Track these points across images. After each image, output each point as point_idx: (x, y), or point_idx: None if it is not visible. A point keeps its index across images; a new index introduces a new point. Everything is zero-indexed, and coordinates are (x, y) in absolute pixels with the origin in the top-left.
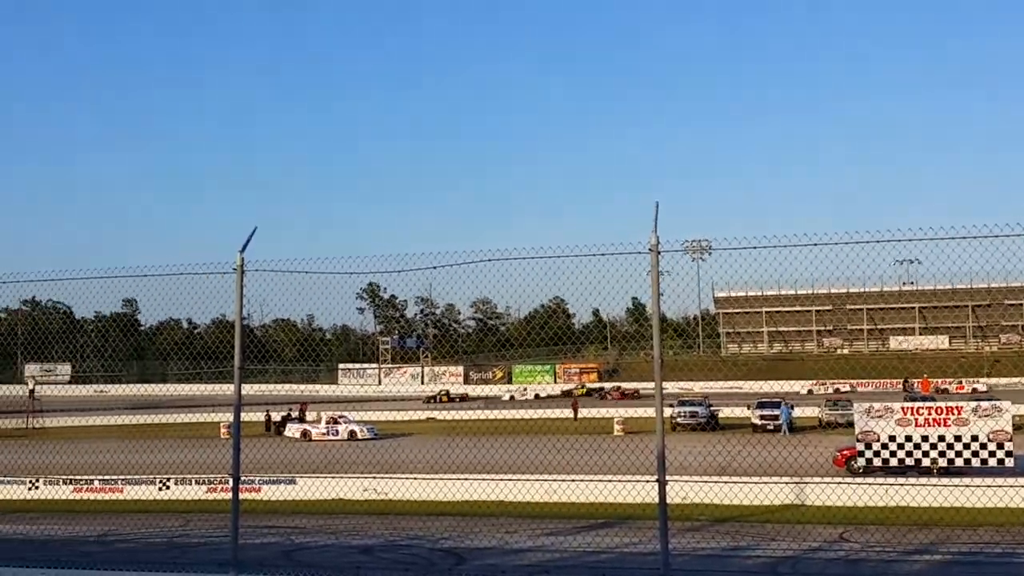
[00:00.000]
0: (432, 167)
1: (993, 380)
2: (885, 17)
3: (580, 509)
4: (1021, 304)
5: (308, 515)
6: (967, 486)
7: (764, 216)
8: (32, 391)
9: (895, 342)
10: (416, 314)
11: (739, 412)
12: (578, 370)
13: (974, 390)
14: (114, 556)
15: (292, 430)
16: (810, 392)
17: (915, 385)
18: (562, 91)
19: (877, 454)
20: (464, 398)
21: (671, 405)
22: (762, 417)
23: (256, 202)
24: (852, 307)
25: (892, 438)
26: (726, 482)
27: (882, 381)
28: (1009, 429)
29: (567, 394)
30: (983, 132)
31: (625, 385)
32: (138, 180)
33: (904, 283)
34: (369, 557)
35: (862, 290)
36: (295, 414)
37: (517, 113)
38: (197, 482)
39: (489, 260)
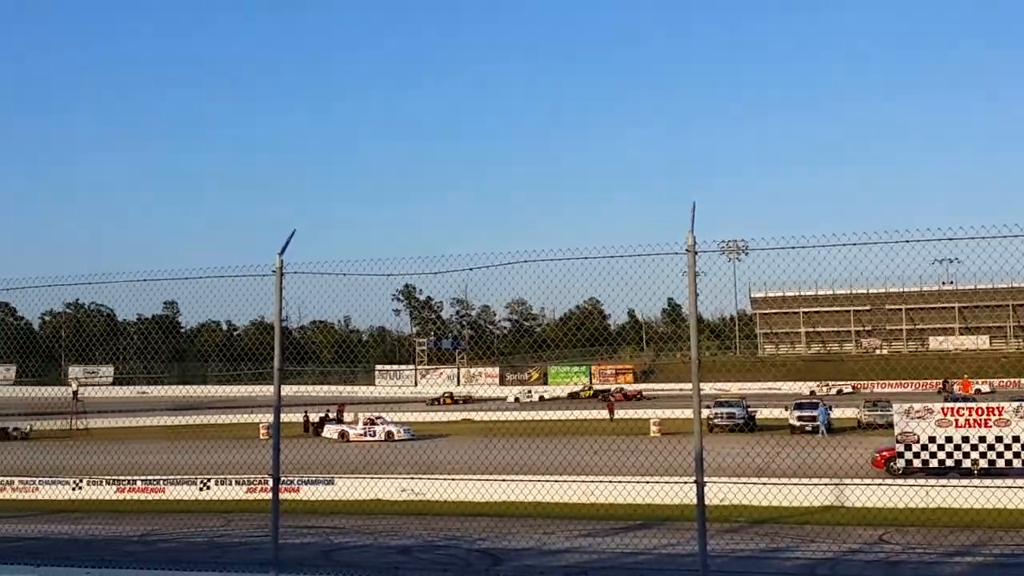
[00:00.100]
0: (437, 166)
1: None
2: (923, 15)
3: (617, 510)
4: None
5: (346, 515)
6: (1008, 487)
7: (792, 217)
8: (76, 393)
9: (935, 342)
10: (452, 315)
11: (777, 413)
12: (614, 371)
13: (979, 390)
14: (157, 556)
15: (330, 431)
16: (812, 393)
17: (955, 386)
18: (576, 91)
19: (917, 455)
20: (467, 400)
21: (708, 406)
22: (800, 418)
23: (257, 202)
24: (891, 307)
25: (932, 439)
26: (764, 483)
27: (921, 381)
28: None
29: (573, 396)
30: None
31: (659, 386)
32: (137, 180)
33: (944, 282)
34: (407, 557)
35: (901, 290)
36: (333, 415)
37: (524, 112)
38: (237, 482)
39: (524, 261)
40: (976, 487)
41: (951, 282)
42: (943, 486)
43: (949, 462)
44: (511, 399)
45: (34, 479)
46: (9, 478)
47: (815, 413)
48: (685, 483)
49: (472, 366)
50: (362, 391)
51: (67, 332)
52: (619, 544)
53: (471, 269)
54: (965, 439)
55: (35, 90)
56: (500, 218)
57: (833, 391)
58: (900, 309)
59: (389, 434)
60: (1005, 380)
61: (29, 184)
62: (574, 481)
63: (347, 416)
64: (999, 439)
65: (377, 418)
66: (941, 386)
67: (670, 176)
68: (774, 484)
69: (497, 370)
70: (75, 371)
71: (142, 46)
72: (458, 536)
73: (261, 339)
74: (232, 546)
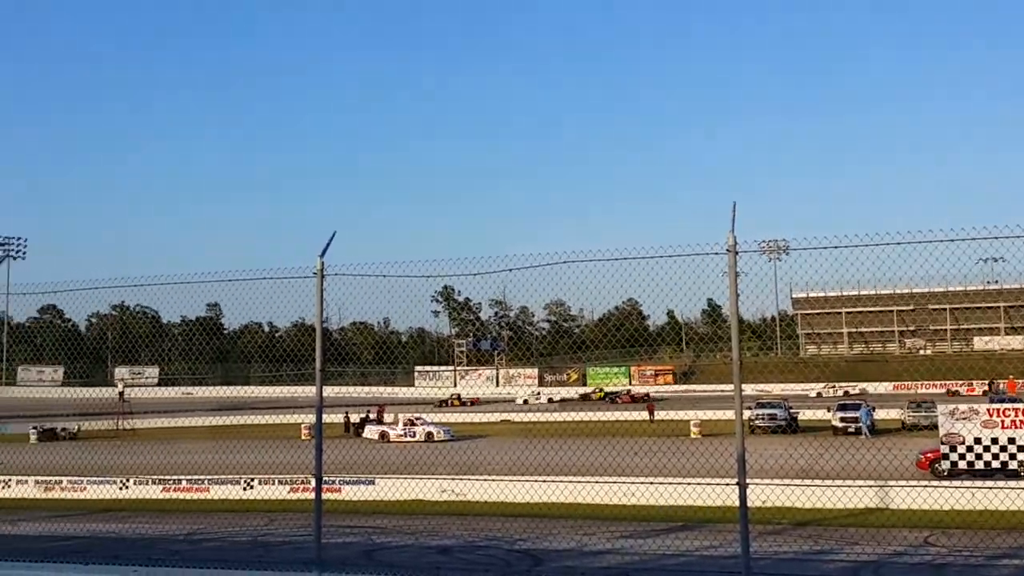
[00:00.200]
0: (473, 168)
1: None
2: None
3: (657, 512)
4: None
5: (387, 515)
6: None
7: (832, 217)
8: (122, 393)
9: (979, 342)
10: (490, 317)
11: (819, 415)
12: (653, 372)
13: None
14: (202, 554)
15: (371, 432)
16: (819, 395)
17: (1000, 386)
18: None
19: (962, 457)
20: (475, 402)
21: (749, 407)
22: (843, 419)
23: (298, 203)
24: (935, 307)
25: (978, 440)
26: (807, 485)
27: (963, 382)
28: None
29: (585, 398)
30: None
31: (701, 387)
32: (179, 181)
33: (988, 282)
34: (447, 557)
35: (945, 289)
36: (373, 416)
37: (562, 112)
38: (280, 482)
39: (563, 263)
40: (1023, 489)
41: (996, 281)
42: (989, 488)
43: (995, 464)
44: (519, 401)
45: (82, 479)
46: (57, 478)
47: (858, 414)
48: (726, 485)
49: (511, 367)
50: (402, 392)
51: (113, 334)
52: (660, 546)
53: (510, 270)
54: (1011, 440)
55: (79, 90)
56: (536, 220)
57: (839, 392)
58: (944, 309)
59: (429, 435)
60: None
61: (73, 185)
62: (614, 482)
63: (387, 417)
64: None
65: (417, 419)
66: (987, 387)
67: (707, 177)
68: (817, 486)
69: (536, 371)
70: (121, 372)
71: (190, 47)
72: (498, 537)
73: (302, 340)
74: (275, 545)
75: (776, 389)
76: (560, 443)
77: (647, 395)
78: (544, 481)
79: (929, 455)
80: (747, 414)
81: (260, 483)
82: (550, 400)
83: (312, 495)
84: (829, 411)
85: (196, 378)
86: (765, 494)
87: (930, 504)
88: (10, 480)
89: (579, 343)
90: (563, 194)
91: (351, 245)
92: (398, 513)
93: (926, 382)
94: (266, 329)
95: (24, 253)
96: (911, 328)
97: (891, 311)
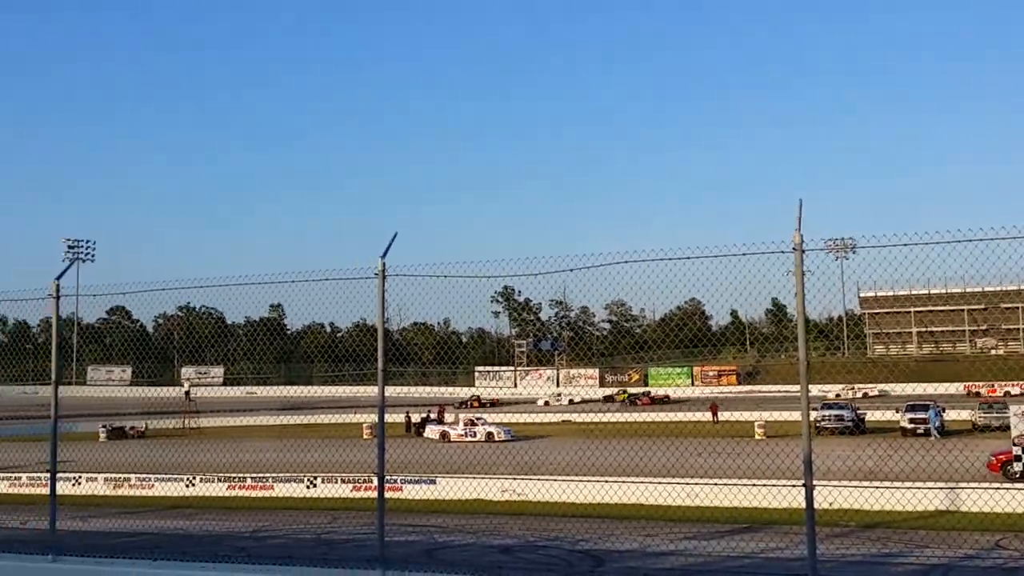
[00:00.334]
0: (534, 167)
1: None
2: None
3: (722, 513)
4: None
5: (448, 514)
6: None
7: (900, 214)
8: (188, 393)
9: None
10: (550, 317)
11: (888, 416)
12: (716, 372)
13: None
14: (267, 551)
15: (431, 431)
16: (837, 396)
17: None
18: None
19: None
20: (495, 403)
21: (815, 408)
22: (911, 420)
23: (358, 203)
24: (1007, 305)
25: None
26: (875, 487)
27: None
28: None
29: (608, 399)
30: None
31: (766, 388)
32: (242, 181)
33: None
34: (509, 557)
35: (1018, 287)
36: (434, 416)
37: (623, 113)
38: (343, 481)
39: (623, 262)
40: None
41: None
42: None
43: None
44: (540, 403)
45: (149, 476)
46: (126, 475)
47: (927, 415)
48: (792, 486)
49: (572, 367)
50: (463, 393)
51: (179, 334)
52: (724, 547)
53: (570, 270)
54: None
55: (146, 90)
56: (597, 219)
57: (859, 394)
58: (1017, 307)
59: (489, 435)
60: None
61: (140, 187)
62: (676, 483)
63: (447, 417)
64: None
65: (478, 419)
66: None
67: (772, 176)
68: (885, 488)
69: (596, 371)
70: (187, 372)
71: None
72: (559, 537)
73: (363, 340)
74: (338, 543)
75: (834, 390)
76: (620, 443)
77: (667, 396)
78: (605, 481)
79: (1000, 457)
80: (813, 415)
81: (323, 481)
82: (571, 402)
83: (374, 494)
84: (897, 412)
85: (260, 378)
86: (832, 496)
87: (1001, 507)
88: (80, 477)
89: (640, 343)
90: (625, 193)
91: (409, 247)
92: (459, 512)
93: (999, 382)
94: (328, 329)
95: (93, 256)
96: (983, 327)
97: (962, 310)
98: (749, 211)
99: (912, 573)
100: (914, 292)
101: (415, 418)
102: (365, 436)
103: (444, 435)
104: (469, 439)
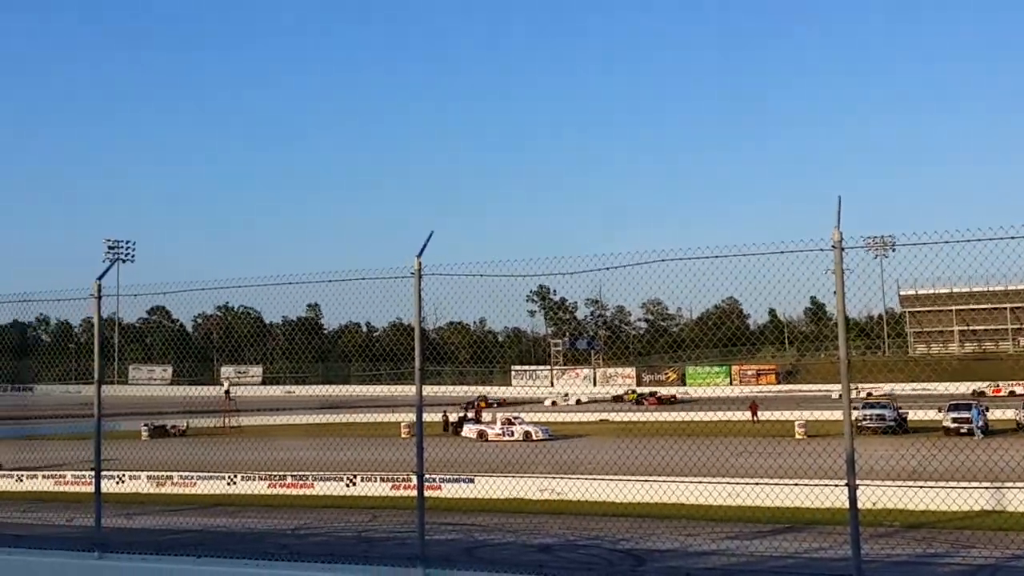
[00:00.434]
0: (569, 166)
1: None
2: None
3: (763, 513)
4: None
5: (487, 513)
6: None
7: (941, 212)
8: (227, 391)
9: None
10: (586, 316)
11: (930, 415)
12: (755, 372)
13: None
14: (309, 548)
15: (469, 430)
16: (868, 394)
17: None
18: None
19: None
20: (502, 403)
21: (856, 407)
22: (955, 420)
23: (392, 202)
24: None
25: None
26: (919, 487)
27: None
28: None
29: (617, 399)
30: None
31: (806, 387)
32: (278, 179)
33: None
34: (549, 556)
35: None
36: (471, 415)
37: (661, 113)
38: (382, 479)
39: (659, 261)
40: None
41: None
42: None
43: None
44: (548, 403)
45: (191, 474)
46: (168, 473)
47: (970, 415)
48: (834, 486)
49: (608, 366)
50: (500, 392)
51: (218, 334)
52: (766, 547)
53: (606, 269)
54: None
55: (181, 91)
56: (633, 217)
57: (862, 393)
58: None
59: (527, 434)
60: None
61: (179, 187)
62: (717, 483)
63: (485, 416)
64: None
65: (515, 418)
66: None
67: (772, 176)
68: (929, 487)
69: (633, 370)
70: (227, 371)
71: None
72: (599, 536)
73: (399, 340)
74: (379, 540)
75: (884, 389)
76: (659, 443)
77: (674, 396)
78: (644, 481)
79: None
80: (855, 414)
81: (363, 480)
82: (578, 401)
83: (414, 492)
84: (940, 412)
85: (298, 377)
86: (875, 495)
87: None
88: (124, 476)
89: (677, 342)
90: (625, 193)
91: (444, 245)
92: (498, 511)
93: None
94: (364, 329)
95: (133, 256)
96: None
97: (1004, 308)
98: (750, 211)
99: (959, 573)
100: (955, 290)
101: (452, 417)
102: (403, 435)
103: (481, 434)
104: (507, 438)
